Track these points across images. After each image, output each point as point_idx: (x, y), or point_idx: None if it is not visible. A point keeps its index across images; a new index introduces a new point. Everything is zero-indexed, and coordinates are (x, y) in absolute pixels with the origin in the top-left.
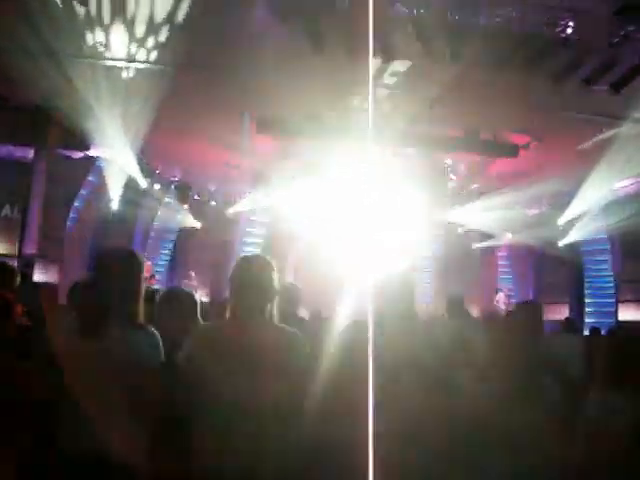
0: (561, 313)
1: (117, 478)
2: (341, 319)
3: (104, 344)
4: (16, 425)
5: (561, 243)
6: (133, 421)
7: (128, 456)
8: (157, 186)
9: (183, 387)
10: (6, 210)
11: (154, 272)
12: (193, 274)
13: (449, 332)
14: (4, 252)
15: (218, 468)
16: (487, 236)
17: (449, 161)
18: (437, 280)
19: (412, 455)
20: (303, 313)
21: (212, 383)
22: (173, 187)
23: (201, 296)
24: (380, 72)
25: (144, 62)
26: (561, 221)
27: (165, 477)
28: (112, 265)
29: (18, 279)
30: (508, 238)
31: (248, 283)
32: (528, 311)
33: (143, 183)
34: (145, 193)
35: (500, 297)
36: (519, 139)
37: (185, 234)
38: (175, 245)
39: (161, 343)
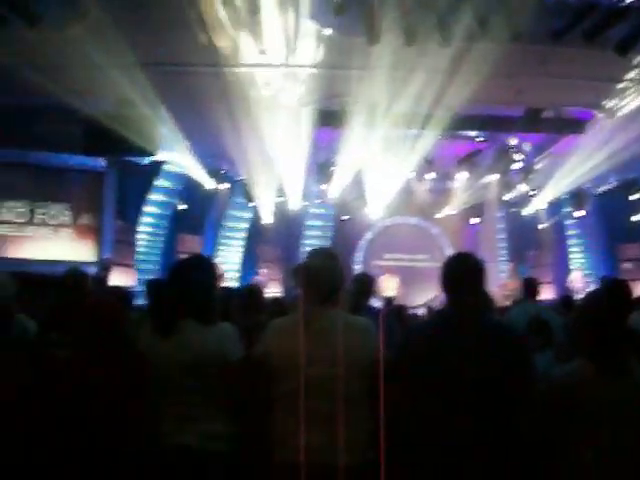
0: (638, 290)
1: (202, 470)
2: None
3: (182, 340)
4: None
5: (634, 218)
6: (214, 414)
7: (212, 449)
8: (224, 185)
9: (261, 381)
10: (85, 219)
11: (223, 271)
12: (265, 271)
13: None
14: (85, 259)
15: (296, 460)
16: (556, 215)
17: (513, 141)
18: (511, 261)
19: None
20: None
21: (288, 375)
22: (239, 185)
23: (274, 292)
24: (438, 55)
25: (209, 65)
26: (633, 197)
27: (247, 468)
28: (185, 267)
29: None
30: (578, 216)
31: (316, 275)
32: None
33: (210, 184)
34: (213, 193)
35: (575, 277)
36: (585, 115)
37: (254, 231)
38: (245, 242)
39: (239, 338)
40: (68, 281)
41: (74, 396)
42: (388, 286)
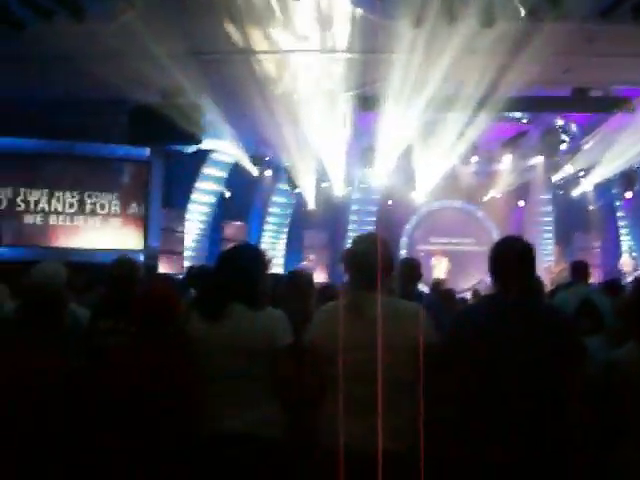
0: None
1: (253, 456)
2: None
3: (230, 325)
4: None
5: None
6: (264, 399)
7: (262, 434)
8: (268, 172)
9: (309, 366)
10: (133, 208)
11: (271, 256)
12: (312, 257)
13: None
14: (133, 247)
15: (342, 444)
16: (605, 196)
17: (560, 122)
18: (557, 244)
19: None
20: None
21: (336, 361)
22: (284, 172)
23: (321, 278)
24: (481, 36)
25: (252, 52)
26: None
27: (296, 453)
28: (234, 254)
29: (141, 272)
30: (627, 197)
31: (363, 260)
32: None
33: (254, 171)
34: (257, 180)
35: (624, 260)
36: (634, 93)
37: (299, 217)
38: (289, 228)
39: (288, 324)
40: (119, 269)
41: (126, 384)
42: (439, 268)
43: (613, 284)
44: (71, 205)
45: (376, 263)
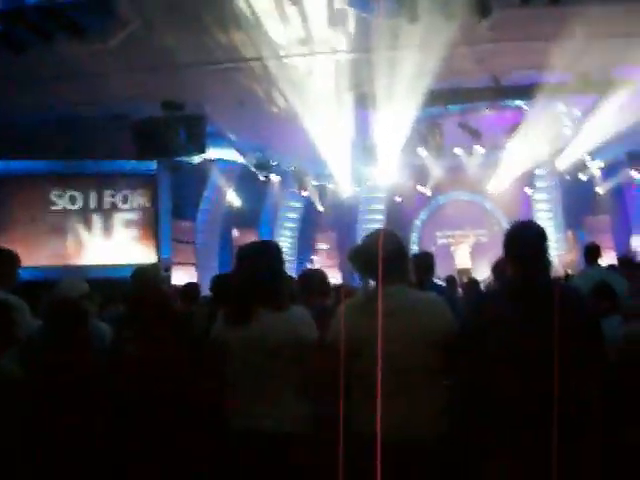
0: None
1: (283, 452)
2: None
3: (256, 326)
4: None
5: None
6: (289, 397)
7: (288, 431)
8: (276, 177)
9: (336, 363)
10: (144, 221)
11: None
12: (315, 257)
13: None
14: (145, 261)
15: (370, 436)
16: (613, 177)
17: (562, 107)
18: (566, 229)
19: None
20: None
21: (361, 355)
22: (290, 175)
23: (333, 278)
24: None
25: (249, 59)
26: None
27: (326, 445)
28: (252, 253)
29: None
30: (636, 177)
31: (367, 254)
32: None
33: (261, 176)
34: (265, 186)
35: (636, 241)
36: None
37: (308, 219)
38: (300, 231)
39: (312, 321)
40: (138, 280)
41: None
42: (461, 255)
43: (627, 263)
44: (84, 222)
45: (392, 256)
